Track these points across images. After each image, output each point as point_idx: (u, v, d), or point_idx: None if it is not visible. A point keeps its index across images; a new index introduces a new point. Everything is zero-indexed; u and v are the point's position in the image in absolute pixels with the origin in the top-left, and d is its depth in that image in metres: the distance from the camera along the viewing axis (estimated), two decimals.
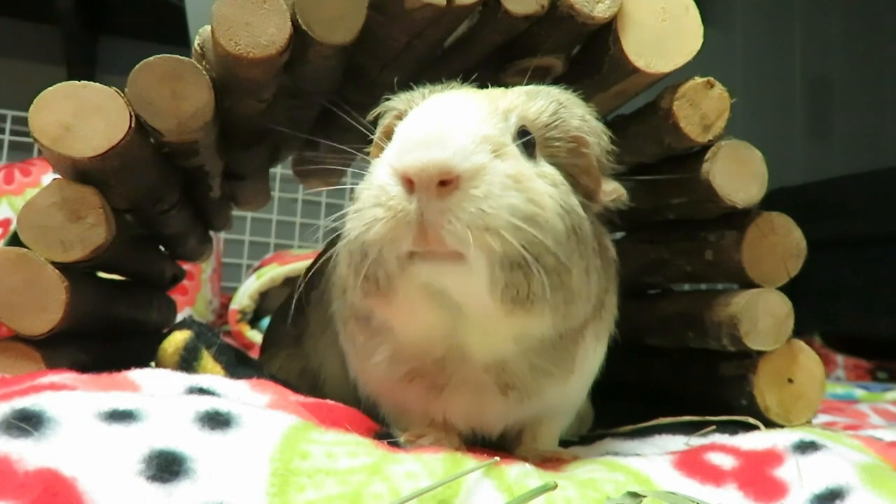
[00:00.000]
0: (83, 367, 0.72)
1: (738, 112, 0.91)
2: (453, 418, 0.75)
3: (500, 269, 0.62)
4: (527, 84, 0.77)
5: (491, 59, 0.98)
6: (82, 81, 0.79)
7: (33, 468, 0.48)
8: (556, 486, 0.57)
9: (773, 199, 0.96)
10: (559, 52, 0.94)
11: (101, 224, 0.79)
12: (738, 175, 0.92)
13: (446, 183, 0.60)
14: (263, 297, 2.47)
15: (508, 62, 0.97)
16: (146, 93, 0.79)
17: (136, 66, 0.79)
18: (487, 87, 0.76)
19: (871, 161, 3.47)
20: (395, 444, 0.65)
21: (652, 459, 0.72)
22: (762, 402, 0.95)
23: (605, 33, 0.89)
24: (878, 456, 0.74)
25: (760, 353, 0.95)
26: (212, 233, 1.58)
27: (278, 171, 2.91)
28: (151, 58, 0.79)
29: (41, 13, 2.57)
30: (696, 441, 0.86)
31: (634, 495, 0.56)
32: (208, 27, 0.82)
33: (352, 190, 0.72)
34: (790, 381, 0.96)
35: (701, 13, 0.89)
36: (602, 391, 0.90)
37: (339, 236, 0.72)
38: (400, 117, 0.74)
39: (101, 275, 1.05)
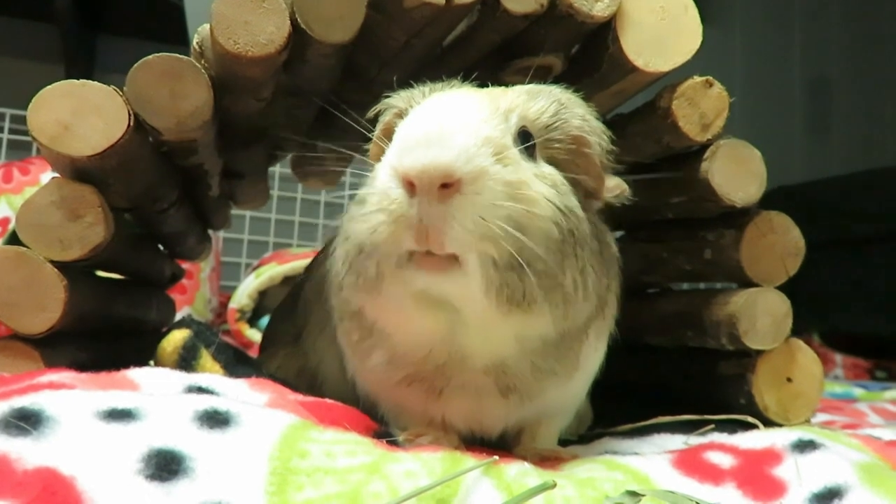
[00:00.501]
0: (82, 366, 0.72)
1: (737, 111, 0.91)
2: (452, 420, 0.75)
3: (494, 270, 0.62)
4: (527, 83, 0.77)
5: (490, 58, 0.98)
6: (81, 80, 0.79)
7: (32, 467, 0.48)
8: (554, 485, 0.57)
9: (772, 199, 0.96)
10: (558, 51, 0.94)
11: (99, 223, 0.79)
12: (737, 174, 0.92)
13: (447, 185, 0.60)
14: (262, 295, 2.47)
15: (507, 61, 0.97)
16: (145, 91, 0.79)
17: (135, 65, 0.79)
18: (487, 86, 0.76)
19: (870, 160, 3.48)
20: (393, 443, 0.65)
21: (651, 458, 0.72)
22: (761, 401, 0.95)
23: (605, 32, 0.89)
24: (876, 455, 0.74)
25: (759, 352, 0.95)
26: (211, 232, 1.58)
27: (277, 169, 2.91)
28: (150, 56, 0.79)
29: (40, 11, 2.57)
30: (694, 440, 0.86)
31: (633, 494, 0.56)
32: (207, 26, 0.81)
33: (351, 189, 0.71)
34: (789, 380, 0.96)
35: (700, 12, 0.89)
36: (601, 390, 0.90)
37: (338, 235, 0.72)
38: (400, 115, 0.74)
39: (100, 274, 1.05)
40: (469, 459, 0.60)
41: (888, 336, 2.86)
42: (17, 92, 1.61)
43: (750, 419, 0.90)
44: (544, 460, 0.74)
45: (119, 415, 0.55)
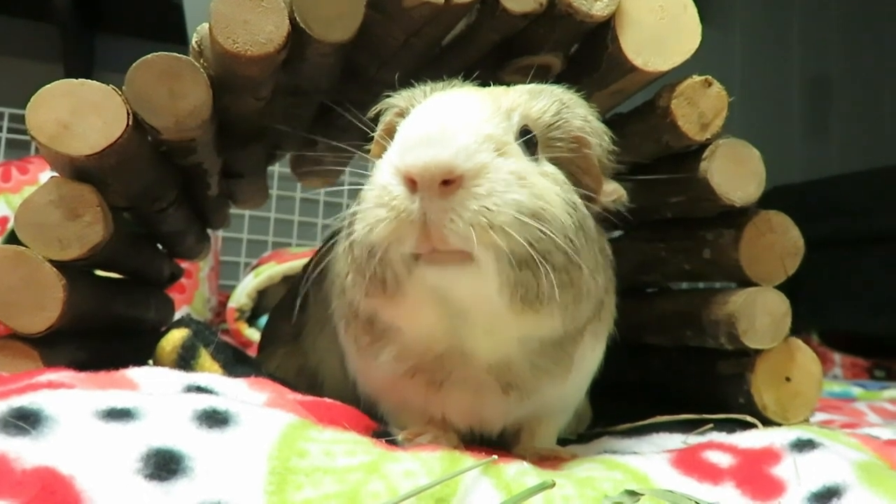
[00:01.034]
0: (81, 366, 0.72)
1: (735, 110, 0.91)
2: (452, 416, 0.75)
3: (510, 268, 0.61)
4: (527, 83, 0.77)
5: (489, 57, 0.98)
6: (80, 79, 0.79)
7: (31, 466, 0.48)
8: (553, 485, 0.57)
9: (771, 198, 0.96)
10: (557, 50, 0.94)
11: (98, 222, 0.79)
12: (736, 173, 0.92)
13: (449, 182, 0.60)
14: (261, 295, 2.47)
15: (507, 60, 0.97)
16: (144, 91, 0.79)
17: (134, 64, 0.79)
18: (488, 85, 0.76)
19: (869, 160, 3.48)
20: (393, 443, 0.65)
21: (650, 458, 0.72)
22: (760, 400, 0.95)
23: (604, 31, 0.89)
24: (875, 454, 0.74)
25: (758, 352, 0.95)
26: (210, 231, 1.57)
27: (276, 169, 2.91)
28: (149, 55, 0.79)
29: (38, 10, 2.56)
30: (693, 439, 0.86)
31: (632, 493, 0.56)
32: (206, 25, 0.81)
33: (350, 188, 0.71)
34: (788, 379, 0.96)
35: (699, 12, 0.89)
36: (600, 389, 0.90)
37: (338, 234, 0.72)
38: (401, 115, 0.74)
39: (99, 273, 1.05)
40: (468, 459, 0.60)
41: (887, 335, 2.87)
42: (16, 91, 1.61)
43: (749, 418, 0.90)
44: (543, 459, 0.74)
45: (118, 414, 0.55)
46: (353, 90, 1.02)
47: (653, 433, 0.90)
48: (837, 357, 2.90)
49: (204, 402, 0.60)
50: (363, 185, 0.68)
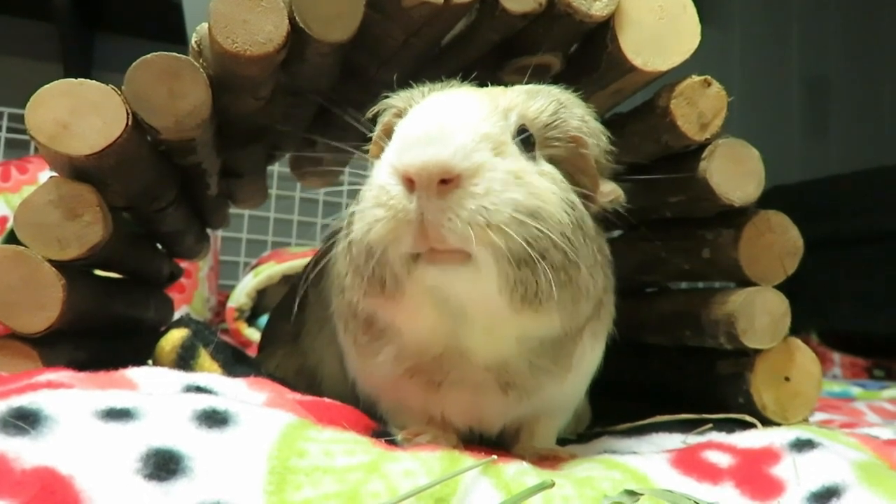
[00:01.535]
0: (80, 366, 0.72)
1: (735, 110, 0.91)
2: (452, 416, 0.75)
3: (509, 267, 0.62)
4: (526, 83, 0.77)
5: (489, 57, 0.98)
6: (79, 79, 0.79)
7: (30, 466, 0.48)
8: (553, 485, 0.57)
9: (770, 198, 0.96)
10: (557, 50, 0.94)
11: (97, 222, 0.79)
12: (736, 173, 0.92)
13: (447, 181, 0.60)
14: (261, 294, 2.47)
15: (506, 60, 0.97)
16: (143, 90, 0.79)
17: (134, 64, 0.79)
18: (487, 85, 0.76)
19: (868, 160, 3.48)
20: (392, 443, 0.65)
21: (649, 457, 0.72)
22: (759, 400, 0.95)
23: (603, 31, 0.89)
24: (874, 454, 0.74)
25: (757, 352, 0.95)
26: (209, 230, 1.57)
27: (276, 168, 2.90)
28: (149, 55, 0.79)
29: (38, 10, 2.56)
30: (693, 439, 0.86)
31: (632, 493, 0.56)
32: (206, 25, 0.81)
33: (350, 188, 0.71)
34: (787, 379, 0.96)
35: (699, 12, 0.89)
36: (599, 389, 0.90)
37: (337, 234, 0.72)
38: (399, 115, 0.74)
39: (98, 273, 1.05)
40: (467, 458, 0.60)
41: (886, 335, 2.87)
42: (16, 91, 1.61)
43: (748, 418, 0.90)
44: (543, 459, 0.74)
45: (117, 414, 0.55)
46: (353, 90, 1.02)
47: (652, 433, 0.90)
48: (837, 357, 2.90)
49: (203, 401, 0.60)
50: (362, 185, 0.68)
